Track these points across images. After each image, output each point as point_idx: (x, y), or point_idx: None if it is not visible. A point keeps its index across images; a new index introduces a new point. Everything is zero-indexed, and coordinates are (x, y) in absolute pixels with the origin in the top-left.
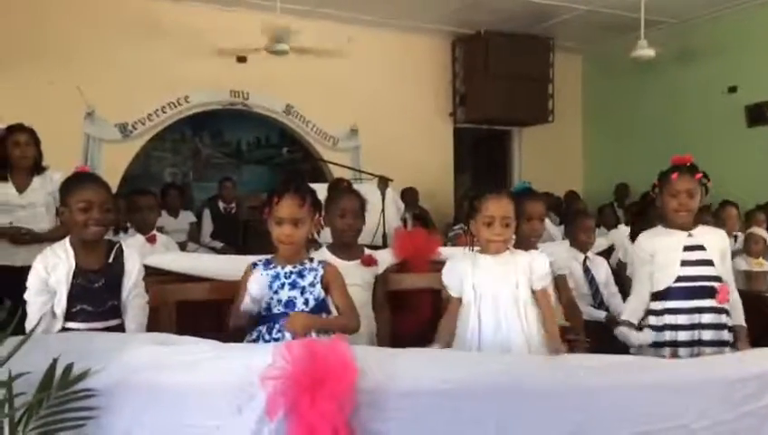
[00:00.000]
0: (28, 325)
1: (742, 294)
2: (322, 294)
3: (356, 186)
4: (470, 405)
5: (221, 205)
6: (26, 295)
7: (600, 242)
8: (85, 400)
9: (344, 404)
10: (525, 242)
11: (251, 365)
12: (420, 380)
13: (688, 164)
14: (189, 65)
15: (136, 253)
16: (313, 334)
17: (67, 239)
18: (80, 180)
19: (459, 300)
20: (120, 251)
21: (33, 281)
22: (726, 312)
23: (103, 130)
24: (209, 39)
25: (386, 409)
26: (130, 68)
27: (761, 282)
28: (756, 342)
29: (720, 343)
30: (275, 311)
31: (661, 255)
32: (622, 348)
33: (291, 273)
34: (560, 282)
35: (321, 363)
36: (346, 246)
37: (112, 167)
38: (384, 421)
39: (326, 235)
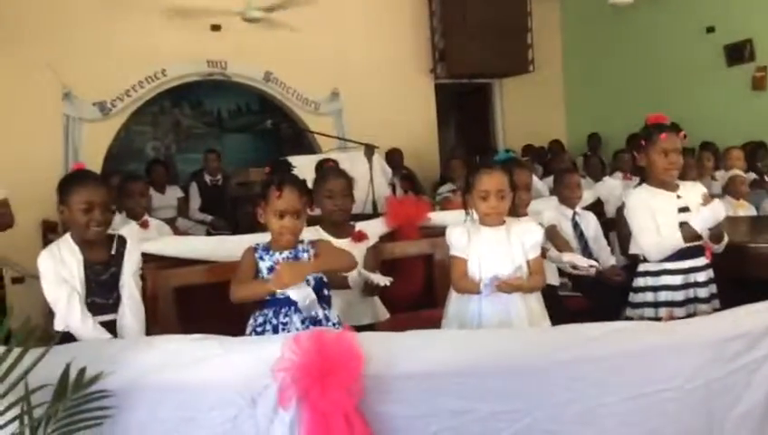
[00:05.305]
0: (60, 321)
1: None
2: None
3: (342, 154)
4: (472, 384)
5: (207, 178)
6: (47, 292)
7: (587, 196)
8: (100, 400)
9: (353, 391)
10: (514, 210)
11: (262, 358)
12: (422, 362)
13: (670, 123)
14: (163, 37)
15: (136, 244)
16: (310, 279)
17: (68, 236)
18: (80, 180)
19: (465, 262)
20: (122, 242)
21: (48, 275)
22: (712, 266)
23: (82, 110)
24: (181, 9)
25: (391, 391)
26: (103, 45)
27: (743, 227)
28: (741, 298)
29: (712, 297)
30: (279, 295)
31: (661, 217)
32: (614, 300)
33: (288, 257)
34: (550, 233)
35: (329, 354)
36: (336, 225)
37: (94, 146)
38: (391, 403)
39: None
